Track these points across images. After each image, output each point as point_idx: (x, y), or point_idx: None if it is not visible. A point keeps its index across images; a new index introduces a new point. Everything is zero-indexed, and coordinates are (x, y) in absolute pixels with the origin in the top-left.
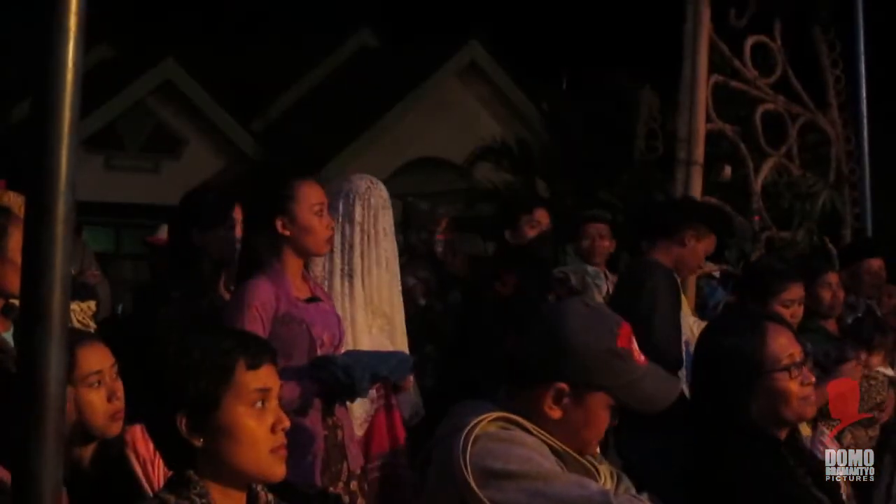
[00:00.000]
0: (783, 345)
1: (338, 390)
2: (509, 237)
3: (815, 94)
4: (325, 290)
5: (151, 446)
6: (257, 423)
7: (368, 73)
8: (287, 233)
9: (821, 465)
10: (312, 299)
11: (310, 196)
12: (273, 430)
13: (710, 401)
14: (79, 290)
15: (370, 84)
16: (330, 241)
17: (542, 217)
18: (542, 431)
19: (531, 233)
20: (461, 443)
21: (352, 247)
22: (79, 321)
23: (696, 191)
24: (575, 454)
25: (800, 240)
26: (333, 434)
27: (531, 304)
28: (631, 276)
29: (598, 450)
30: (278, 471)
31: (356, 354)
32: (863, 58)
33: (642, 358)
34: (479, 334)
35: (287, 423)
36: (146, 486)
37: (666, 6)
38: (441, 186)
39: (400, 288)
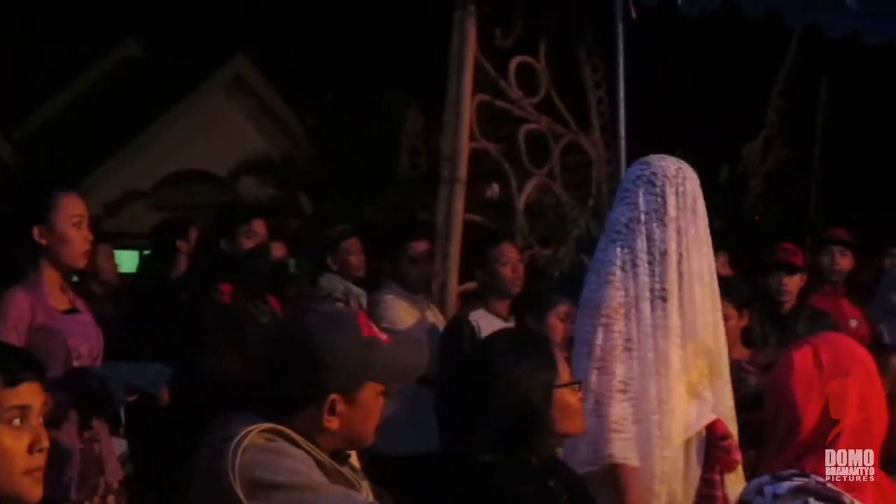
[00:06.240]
0: (562, 362)
1: (93, 402)
2: (225, 246)
3: (578, 115)
4: (631, 318)
5: None
6: (13, 441)
7: (133, 84)
8: (44, 241)
9: (578, 480)
10: (71, 311)
11: (69, 207)
12: (30, 450)
13: (489, 423)
14: None
15: (134, 95)
16: (86, 254)
17: (259, 228)
18: (308, 444)
19: (248, 243)
20: (230, 453)
21: (664, 255)
22: None
23: (459, 208)
24: (339, 468)
25: (561, 258)
26: (90, 447)
27: (249, 315)
28: None
29: (358, 464)
30: (33, 493)
31: (112, 366)
32: (622, 80)
33: (385, 335)
34: (201, 345)
35: (46, 444)
36: None
37: (433, 26)
38: (204, 199)
39: (721, 314)
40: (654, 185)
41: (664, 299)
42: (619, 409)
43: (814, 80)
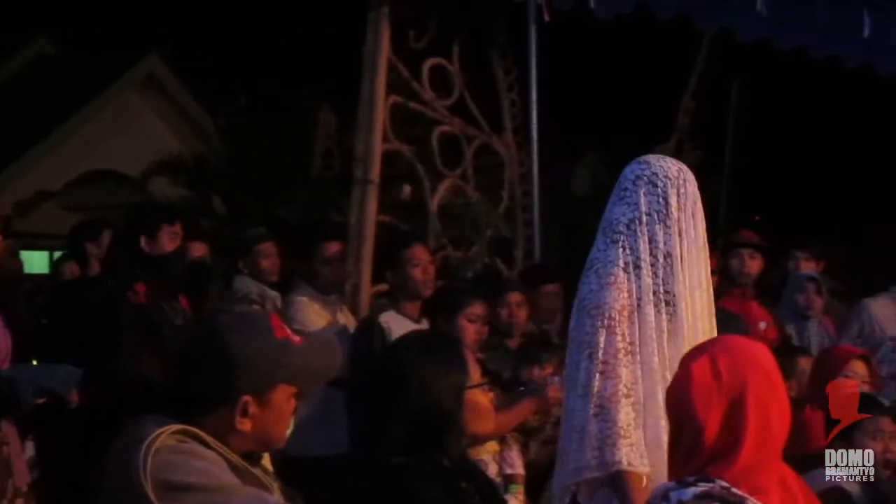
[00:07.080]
0: (473, 363)
1: (2, 404)
2: (145, 245)
3: (491, 117)
4: (634, 321)
5: None
6: None
7: (44, 83)
8: None
9: (489, 481)
10: None
11: None
12: None
13: (401, 425)
14: None
15: (46, 93)
16: None
17: (179, 229)
18: (220, 445)
19: (171, 245)
20: (141, 455)
21: (668, 258)
22: None
23: (372, 209)
24: (251, 469)
25: (473, 260)
26: None
27: (165, 316)
28: None
29: (272, 468)
30: None
31: (21, 368)
32: (535, 83)
33: (298, 337)
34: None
35: None
36: None
37: (347, 27)
38: (116, 200)
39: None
40: (655, 185)
41: (668, 303)
42: (625, 415)
43: (725, 83)
